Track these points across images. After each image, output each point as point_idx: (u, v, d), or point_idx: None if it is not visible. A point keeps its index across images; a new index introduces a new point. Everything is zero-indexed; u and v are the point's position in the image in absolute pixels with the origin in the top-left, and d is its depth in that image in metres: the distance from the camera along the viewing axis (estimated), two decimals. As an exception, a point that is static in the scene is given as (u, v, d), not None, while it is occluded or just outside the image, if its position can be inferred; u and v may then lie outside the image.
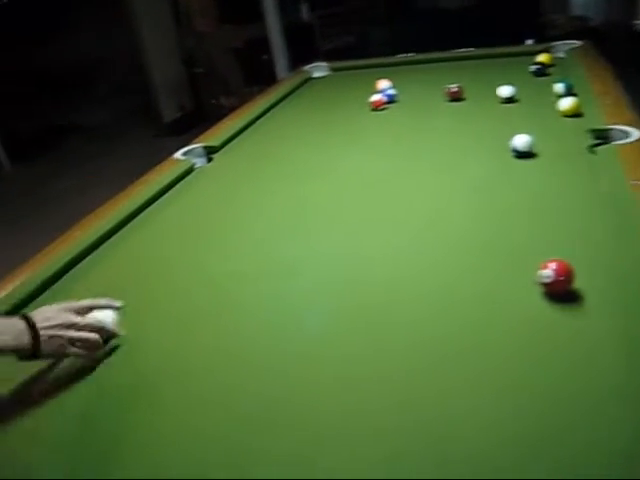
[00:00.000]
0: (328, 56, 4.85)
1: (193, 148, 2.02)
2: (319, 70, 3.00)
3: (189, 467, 0.80)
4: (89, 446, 0.88)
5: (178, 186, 1.81)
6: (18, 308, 1.23)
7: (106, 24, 6.29)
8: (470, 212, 1.42)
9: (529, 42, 2.88)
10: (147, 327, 1.15)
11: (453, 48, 2.94)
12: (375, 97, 2.21)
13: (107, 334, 1.07)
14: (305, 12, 6.43)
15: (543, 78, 2.36)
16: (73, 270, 1.40)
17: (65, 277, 1.37)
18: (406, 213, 1.47)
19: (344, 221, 1.48)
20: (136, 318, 1.15)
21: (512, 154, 1.64)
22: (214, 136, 2.13)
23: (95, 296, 1.13)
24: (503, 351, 0.94)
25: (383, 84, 2.37)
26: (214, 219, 1.60)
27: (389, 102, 2.25)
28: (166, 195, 1.75)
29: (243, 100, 5.14)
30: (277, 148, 2.07)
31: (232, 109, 4.96)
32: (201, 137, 2.15)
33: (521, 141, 1.61)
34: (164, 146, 5.21)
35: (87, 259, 1.45)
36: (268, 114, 2.42)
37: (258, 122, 2.33)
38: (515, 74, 2.42)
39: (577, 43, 2.73)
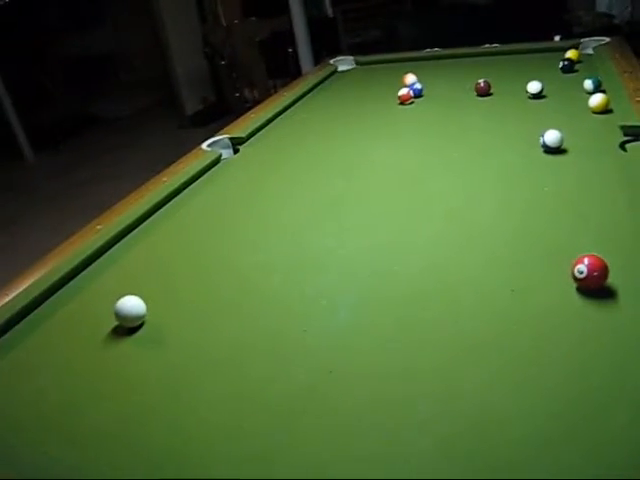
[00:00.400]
0: (353, 50, 4.84)
1: (219, 139, 2.03)
2: (345, 63, 2.99)
3: (217, 462, 0.80)
4: (110, 444, 0.87)
5: (205, 177, 1.82)
6: (50, 293, 1.26)
7: (132, 18, 6.34)
8: (500, 205, 1.41)
9: (557, 38, 2.85)
10: (172, 318, 1.16)
11: (481, 43, 2.91)
12: (402, 91, 2.20)
13: None
14: (328, 6, 6.42)
15: (571, 74, 2.33)
16: (100, 259, 1.42)
17: (92, 266, 1.39)
18: (435, 206, 1.47)
19: (372, 214, 1.48)
20: (162, 309, 1.17)
21: (542, 149, 1.62)
22: (240, 128, 2.14)
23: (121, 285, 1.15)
24: (534, 344, 0.93)
25: (410, 78, 2.35)
26: (241, 210, 1.61)
27: (416, 96, 2.24)
28: (193, 185, 1.76)
29: (267, 93, 5.18)
30: (304, 140, 2.07)
31: (256, 102, 4.98)
32: (227, 128, 2.16)
33: (551, 136, 1.59)
34: (188, 137, 5.25)
35: (115, 247, 1.47)
36: (295, 106, 2.42)
37: (284, 114, 2.33)
38: (543, 70, 2.39)
39: (605, 39, 2.69)
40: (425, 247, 1.28)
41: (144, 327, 1.11)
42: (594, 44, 2.67)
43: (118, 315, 1.09)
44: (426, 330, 1.01)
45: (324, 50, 5.09)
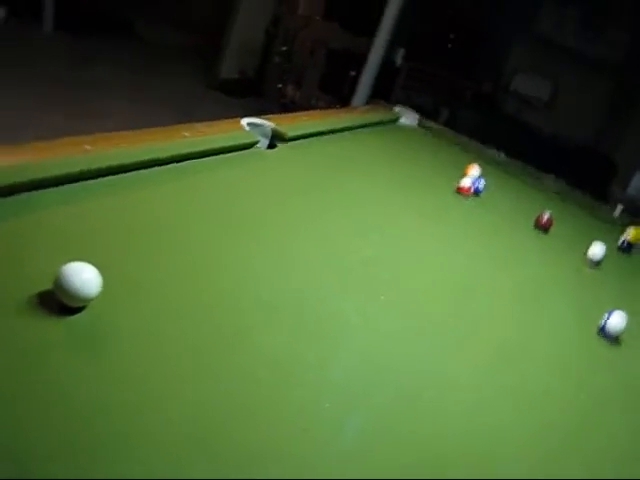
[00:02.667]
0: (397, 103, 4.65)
1: (262, 124, 1.73)
2: (408, 117, 2.74)
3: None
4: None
5: (232, 156, 1.51)
6: None
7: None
8: (556, 372, 1.15)
9: (618, 209, 2.69)
10: (130, 313, 0.84)
11: (533, 166, 2.72)
12: (466, 182, 1.95)
13: None
14: (399, 56, 6.25)
15: (628, 255, 2.15)
16: (69, 186, 1.09)
17: (55, 190, 1.06)
18: (480, 334, 1.18)
19: (412, 312, 1.17)
20: (119, 292, 0.85)
21: (599, 330, 1.39)
22: (288, 124, 1.83)
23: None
24: None
25: (475, 171, 2.12)
26: (260, 220, 1.28)
27: (475, 194, 2.00)
28: (216, 158, 1.45)
29: (308, 101, 4.89)
30: (350, 180, 1.74)
31: (293, 103, 4.70)
32: (272, 117, 1.86)
33: (618, 325, 1.36)
34: (213, 100, 4.91)
35: (95, 181, 1.14)
36: (349, 135, 2.13)
37: (336, 136, 2.04)
38: (602, 236, 2.22)
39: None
40: (469, 382, 1.00)
41: (87, 310, 0.79)
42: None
43: (60, 284, 0.76)
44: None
45: (376, 93, 4.89)
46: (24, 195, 1.00)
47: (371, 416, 0.83)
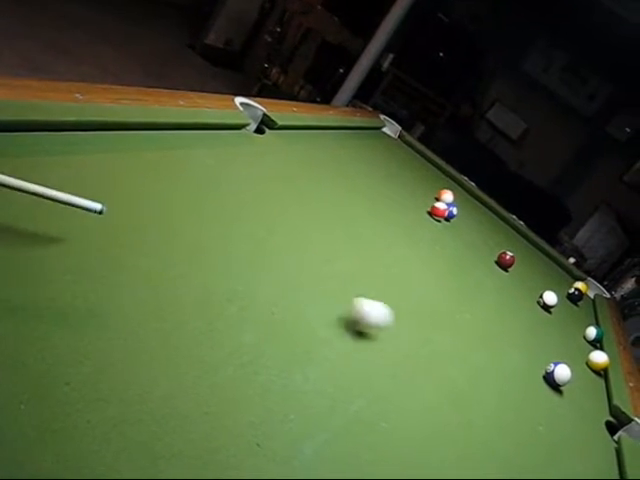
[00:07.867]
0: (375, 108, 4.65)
1: (255, 107, 1.69)
2: (390, 128, 2.75)
3: None
4: None
5: (219, 133, 1.46)
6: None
7: None
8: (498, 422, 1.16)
9: (571, 260, 2.79)
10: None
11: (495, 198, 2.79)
12: (440, 205, 1.96)
13: None
14: (387, 61, 6.25)
15: (574, 307, 2.23)
16: (49, 133, 1.02)
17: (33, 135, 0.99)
18: (432, 369, 1.19)
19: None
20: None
21: (545, 375, 1.43)
22: (277, 112, 1.79)
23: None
24: None
25: (448, 197, 2.14)
26: (250, 204, 1.26)
27: (447, 219, 2.02)
28: (202, 132, 1.40)
29: (291, 87, 4.82)
30: (333, 182, 1.72)
31: (275, 85, 4.63)
32: (262, 100, 1.81)
33: (564, 376, 1.40)
34: (191, 62, 4.79)
35: (82, 134, 1.08)
36: (335, 134, 2.12)
37: (323, 133, 2.02)
38: (555, 283, 2.30)
39: (606, 294, 2.66)
40: (421, 418, 1.00)
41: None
42: (597, 290, 2.62)
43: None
44: None
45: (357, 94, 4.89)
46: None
47: (328, 439, 0.81)
